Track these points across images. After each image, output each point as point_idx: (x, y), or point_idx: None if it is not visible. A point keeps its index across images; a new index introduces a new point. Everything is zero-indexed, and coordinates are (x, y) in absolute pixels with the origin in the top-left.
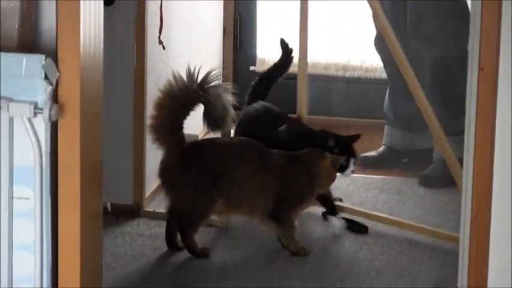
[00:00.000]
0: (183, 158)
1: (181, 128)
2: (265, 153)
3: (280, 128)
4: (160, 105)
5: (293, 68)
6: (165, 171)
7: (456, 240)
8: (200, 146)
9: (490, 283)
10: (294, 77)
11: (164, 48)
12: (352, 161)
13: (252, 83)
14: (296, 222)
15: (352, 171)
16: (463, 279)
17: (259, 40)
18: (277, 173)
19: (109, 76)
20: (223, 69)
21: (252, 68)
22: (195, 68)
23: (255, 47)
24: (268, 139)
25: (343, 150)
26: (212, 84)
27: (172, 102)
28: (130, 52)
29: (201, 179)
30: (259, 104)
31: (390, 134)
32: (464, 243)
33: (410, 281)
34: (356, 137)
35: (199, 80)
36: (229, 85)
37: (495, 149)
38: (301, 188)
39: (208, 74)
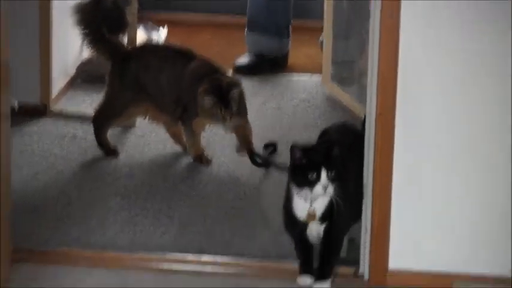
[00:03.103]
0: (123, 61)
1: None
2: (190, 60)
3: None
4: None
5: None
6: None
7: None
8: (139, 50)
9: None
10: None
11: None
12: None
13: None
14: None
15: None
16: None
17: None
18: (187, 81)
19: None
20: None
21: None
22: None
23: None
24: None
25: None
26: None
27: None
28: None
29: (126, 81)
30: None
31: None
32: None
33: None
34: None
35: None
36: None
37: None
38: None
39: None
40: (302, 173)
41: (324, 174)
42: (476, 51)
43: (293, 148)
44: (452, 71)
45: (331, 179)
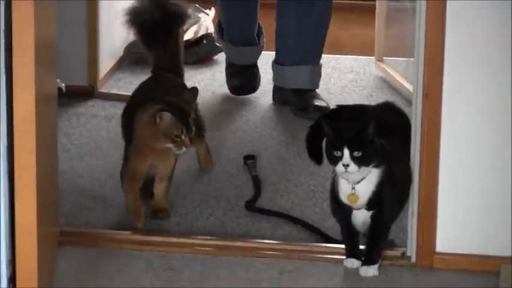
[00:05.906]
0: None
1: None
2: None
3: None
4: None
5: None
6: None
7: None
8: None
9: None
10: None
11: None
12: None
13: None
14: None
15: None
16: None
17: None
18: None
19: None
20: None
21: None
22: None
23: None
24: None
25: None
26: None
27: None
28: None
29: None
30: None
31: None
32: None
33: None
34: None
35: None
36: None
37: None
38: None
39: None
40: (330, 149)
41: (346, 152)
42: None
43: (322, 120)
44: (501, 48)
45: (359, 159)
